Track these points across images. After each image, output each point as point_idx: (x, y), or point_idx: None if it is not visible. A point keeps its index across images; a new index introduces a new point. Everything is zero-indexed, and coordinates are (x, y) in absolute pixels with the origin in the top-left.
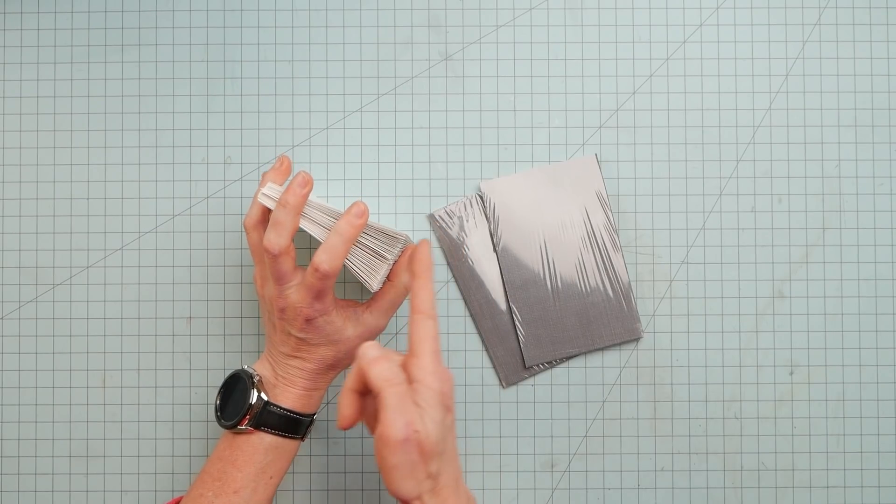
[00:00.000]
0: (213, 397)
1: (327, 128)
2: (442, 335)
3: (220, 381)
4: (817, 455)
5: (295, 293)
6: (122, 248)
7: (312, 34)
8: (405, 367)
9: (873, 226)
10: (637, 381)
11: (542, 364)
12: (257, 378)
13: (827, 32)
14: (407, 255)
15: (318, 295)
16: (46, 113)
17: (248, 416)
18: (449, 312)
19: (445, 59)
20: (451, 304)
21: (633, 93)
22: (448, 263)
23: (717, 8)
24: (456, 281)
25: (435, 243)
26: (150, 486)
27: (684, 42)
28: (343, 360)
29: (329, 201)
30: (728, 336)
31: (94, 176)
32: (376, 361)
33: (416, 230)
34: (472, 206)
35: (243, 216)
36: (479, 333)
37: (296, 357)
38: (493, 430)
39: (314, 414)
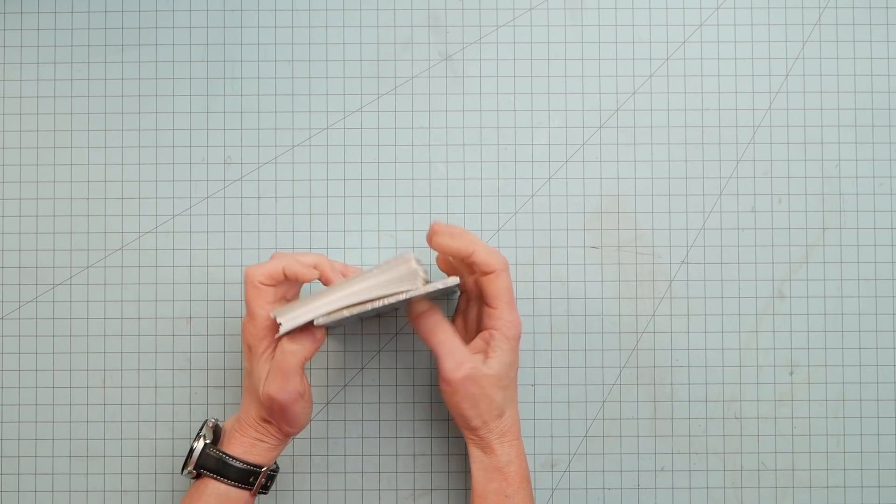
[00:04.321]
0: (213, 397)
1: (327, 128)
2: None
3: (220, 381)
4: (817, 455)
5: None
6: (122, 248)
7: (312, 34)
8: (480, 315)
9: (873, 226)
10: (637, 381)
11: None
12: (212, 423)
13: (827, 32)
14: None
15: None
16: (46, 113)
17: (191, 460)
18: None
19: (445, 59)
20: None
21: (633, 93)
22: None
23: (717, 8)
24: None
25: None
26: (150, 486)
27: (684, 42)
28: (264, 411)
29: (329, 201)
30: (728, 336)
31: (94, 176)
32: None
33: (416, 230)
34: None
35: (241, 218)
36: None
37: (248, 393)
38: None
39: (265, 467)
